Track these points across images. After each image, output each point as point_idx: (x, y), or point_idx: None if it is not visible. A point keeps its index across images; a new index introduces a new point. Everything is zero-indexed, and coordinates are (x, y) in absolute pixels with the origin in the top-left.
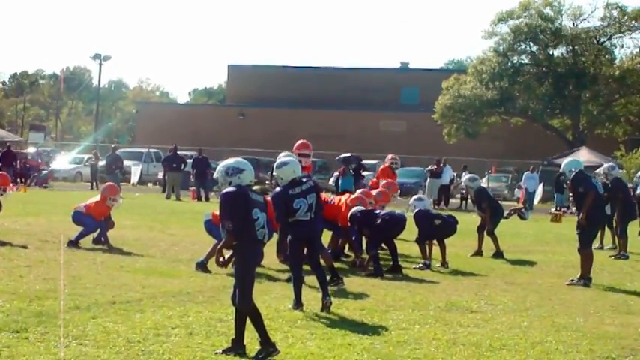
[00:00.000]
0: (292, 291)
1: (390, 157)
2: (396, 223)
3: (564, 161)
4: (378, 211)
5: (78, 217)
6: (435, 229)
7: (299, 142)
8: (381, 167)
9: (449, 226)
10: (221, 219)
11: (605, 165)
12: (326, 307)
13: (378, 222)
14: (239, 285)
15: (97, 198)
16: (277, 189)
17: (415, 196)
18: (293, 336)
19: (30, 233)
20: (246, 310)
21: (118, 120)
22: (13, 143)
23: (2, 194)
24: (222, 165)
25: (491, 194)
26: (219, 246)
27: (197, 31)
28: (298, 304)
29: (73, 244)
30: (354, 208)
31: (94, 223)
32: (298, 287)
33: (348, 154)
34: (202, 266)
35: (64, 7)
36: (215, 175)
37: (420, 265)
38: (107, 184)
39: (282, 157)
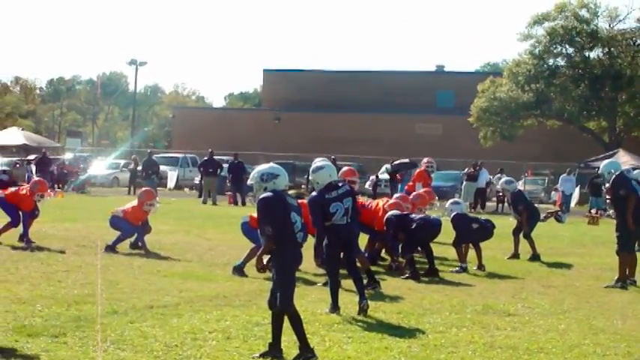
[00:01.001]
0: (329, 295)
1: (425, 160)
2: (431, 228)
3: (603, 163)
4: (413, 216)
5: (115, 222)
6: (473, 233)
7: (345, 169)
8: (417, 171)
9: (486, 230)
10: (260, 224)
11: (449, 202)
12: (363, 310)
13: (413, 226)
14: (279, 289)
15: (134, 203)
16: (314, 193)
17: (451, 200)
18: (330, 340)
19: (67, 238)
20: (287, 314)
21: (154, 125)
22: (50, 149)
23: (40, 200)
24: (256, 171)
25: (528, 197)
26: (259, 252)
27: (232, 35)
28: (335, 307)
29: (111, 249)
30: (390, 212)
31: (131, 228)
32: (335, 291)
33: (406, 160)
34: (239, 270)
35: (100, 14)
36: (250, 181)
37: (457, 268)
38: (144, 189)
39: (318, 161)
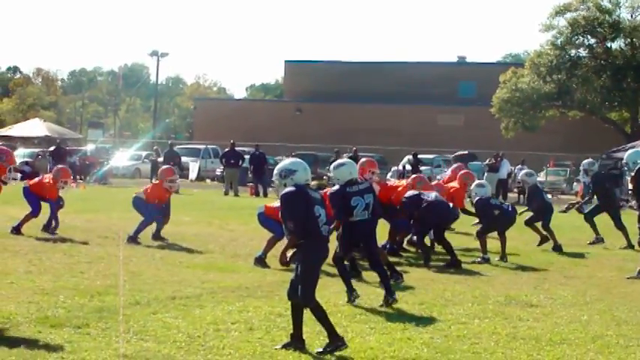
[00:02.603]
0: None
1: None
2: (441, 209)
3: (627, 153)
4: (426, 195)
5: (137, 203)
6: (493, 220)
7: (364, 160)
8: (454, 172)
9: (507, 218)
10: (283, 220)
11: (585, 161)
12: (388, 304)
13: (424, 205)
14: (302, 283)
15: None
16: (335, 187)
17: (476, 182)
18: (352, 330)
19: (90, 230)
20: (309, 307)
21: (176, 116)
22: (72, 140)
23: (63, 187)
24: (276, 167)
25: (544, 193)
26: (283, 247)
27: (254, 26)
28: (351, 294)
29: (133, 239)
30: (405, 194)
31: (151, 213)
32: (347, 279)
33: (465, 152)
34: (261, 261)
35: (121, 5)
36: (273, 178)
37: (479, 259)
38: (164, 167)
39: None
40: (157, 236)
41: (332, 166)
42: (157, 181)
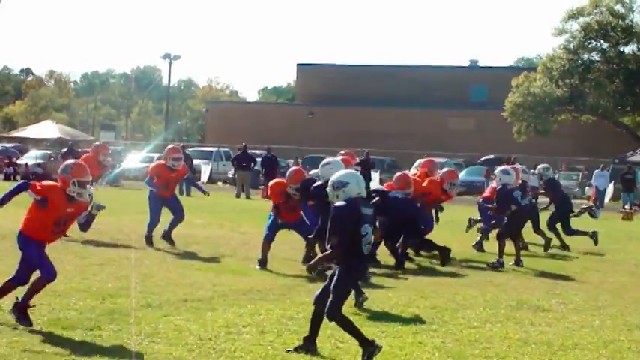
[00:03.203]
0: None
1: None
2: (406, 208)
3: None
4: (395, 194)
5: (149, 182)
6: (510, 214)
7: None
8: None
9: (522, 214)
10: (329, 233)
11: (540, 165)
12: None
13: (390, 204)
14: (334, 296)
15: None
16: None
17: (501, 168)
18: (365, 333)
19: (101, 232)
20: (334, 321)
21: (188, 119)
22: (84, 142)
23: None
24: (331, 178)
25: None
26: (320, 257)
27: (266, 29)
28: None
29: (149, 240)
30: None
31: (153, 213)
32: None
33: (491, 156)
34: (262, 263)
35: (134, 7)
36: (327, 189)
37: (494, 262)
38: (169, 146)
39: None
40: (166, 236)
41: (320, 164)
42: (162, 160)
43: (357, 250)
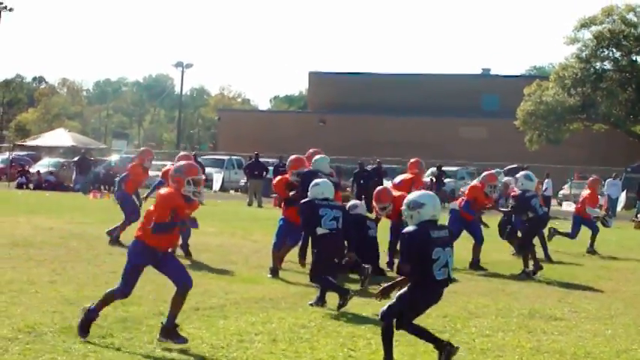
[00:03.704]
0: (338, 294)
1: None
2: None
3: None
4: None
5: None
6: (527, 220)
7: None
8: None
9: (538, 222)
10: (400, 259)
11: (521, 173)
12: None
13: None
14: (394, 302)
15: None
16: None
17: (524, 173)
18: (376, 342)
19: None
20: (402, 329)
21: (200, 127)
22: (97, 150)
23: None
24: (407, 198)
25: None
26: (390, 283)
27: (278, 38)
28: (321, 300)
29: (184, 248)
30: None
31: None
32: (325, 289)
33: (514, 165)
34: (274, 272)
35: (146, 16)
36: (402, 207)
37: (520, 274)
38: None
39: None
40: (183, 247)
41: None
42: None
43: (429, 276)
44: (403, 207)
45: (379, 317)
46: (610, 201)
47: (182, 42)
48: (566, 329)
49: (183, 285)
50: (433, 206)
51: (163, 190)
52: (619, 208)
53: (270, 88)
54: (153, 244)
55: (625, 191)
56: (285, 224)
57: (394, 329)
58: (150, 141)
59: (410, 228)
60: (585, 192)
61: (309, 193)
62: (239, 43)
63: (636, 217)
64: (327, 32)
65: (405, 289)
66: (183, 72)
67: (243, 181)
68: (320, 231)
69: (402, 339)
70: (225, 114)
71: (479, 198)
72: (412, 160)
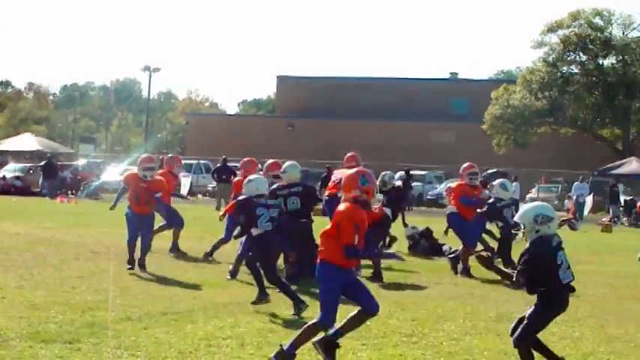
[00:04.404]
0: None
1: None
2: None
3: None
4: None
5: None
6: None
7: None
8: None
9: (509, 232)
10: (517, 271)
11: (498, 181)
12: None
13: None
14: (527, 326)
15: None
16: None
17: (500, 181)
18: (344, 347)
19: (81, 244)
20: (518, 348)
21: (168, 131)
22: (64, 155)
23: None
24: (531, 207)
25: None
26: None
27: (246, 42)
28: (262, 297)
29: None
30: None
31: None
32: (261, 282)
33: (495, 170)
34: (233, 274)
35: (113, 20)
36: (518, 218)
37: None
38: (170, 155)
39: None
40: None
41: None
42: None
43: (556, 281)
44: (528, 220)
45: (513, 345)
46: (577, 204)
47: (150, 46)
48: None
49: (370, 308)
50: (556, 220)
51: (343, 207)
52: (586, 211)
53: (238, 92)
54: (342, 263)
55: (592, 194)
56: None
57: (532, 353)
58: (117, 145)
59: (530, 247)
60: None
61: (243, 191)
62: (207, 47)
63: (611, 219)
64: (295, 36)
65: (534, 308)
66: (150, 76)
67: (211, 185)
68: (255, 232)
69: (369, 342)
70: (193, 118)
71: (467, 192)
72: (348, 154)
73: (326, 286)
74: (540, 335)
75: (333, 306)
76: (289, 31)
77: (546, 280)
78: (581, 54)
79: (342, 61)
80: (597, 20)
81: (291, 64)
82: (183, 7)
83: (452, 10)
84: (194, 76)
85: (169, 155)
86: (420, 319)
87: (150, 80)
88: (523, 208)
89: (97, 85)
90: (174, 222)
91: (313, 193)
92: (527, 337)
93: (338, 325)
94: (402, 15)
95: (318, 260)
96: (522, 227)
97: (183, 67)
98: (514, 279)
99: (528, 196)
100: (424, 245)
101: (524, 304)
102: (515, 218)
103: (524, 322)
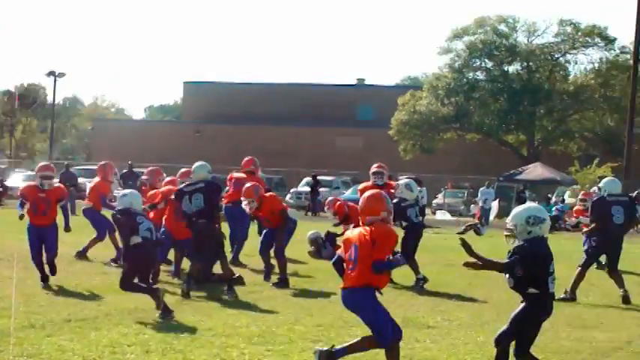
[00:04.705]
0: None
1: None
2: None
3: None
4: None
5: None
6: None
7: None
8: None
9: (412, 231)
10: (510, 260)
11: (403, 181)
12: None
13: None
14: (518, 335)
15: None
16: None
17: (405, 181)
18: (250, 353)
19: None
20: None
21: (73, 137)
22: None
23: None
24: (523, 209)
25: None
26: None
27: (152, 47)
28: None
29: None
30: None
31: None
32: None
33: (413, 176)
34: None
35: (17, 24)
36: (510, 221)
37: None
38: (104, 162)
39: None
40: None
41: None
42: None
43: (544, 289)
44: (519, 221)
45: (494, 344)
46: (483, 210)
47: (54, 51)
48: (439, 337)
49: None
50: (548, 223)
51: (382, 228)
52: (492, 216)
53: (144, 97)
54: (376, 282)
55: (498, 200)
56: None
57: (508, 355)
58: (22, 151)
59: (524, 244)
60: None
61: (116, 204)
62: (113, 53)
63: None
64: (201, 42)
65: (519, 316)
66: (55, 81)
67: (117, 191)
68: (134, 240)
69: (274, 349)
70: (98, 124)
71: (387, 190)
72: (246, 159)
73: (369, 305)
74: (447, 340)
75: (386, 322)
76: (197, 36)
77: (536, 281)
78: (486, 60)
79: (249, 67)
80: (502, 27)
81: (197, 70)
82: (89, 11)
83: (359, 15)
84: (100, 81)
85: (102, 163)
86: (326, 325)
87: (55, 86)
88: (515, 209)
89: (1, 90)
90: (102, 233)
91: (216, 188)
92: (524, 344)
93: (346, 343)
94: (310, 21)
95: (348, 287)
96: (514, 228)
97: (88, 73)
98: (506, 268)
99: (435, 201)
100: (329, 250)
101: (429, 308)
102: (508, 219)
103: (514, 330)
